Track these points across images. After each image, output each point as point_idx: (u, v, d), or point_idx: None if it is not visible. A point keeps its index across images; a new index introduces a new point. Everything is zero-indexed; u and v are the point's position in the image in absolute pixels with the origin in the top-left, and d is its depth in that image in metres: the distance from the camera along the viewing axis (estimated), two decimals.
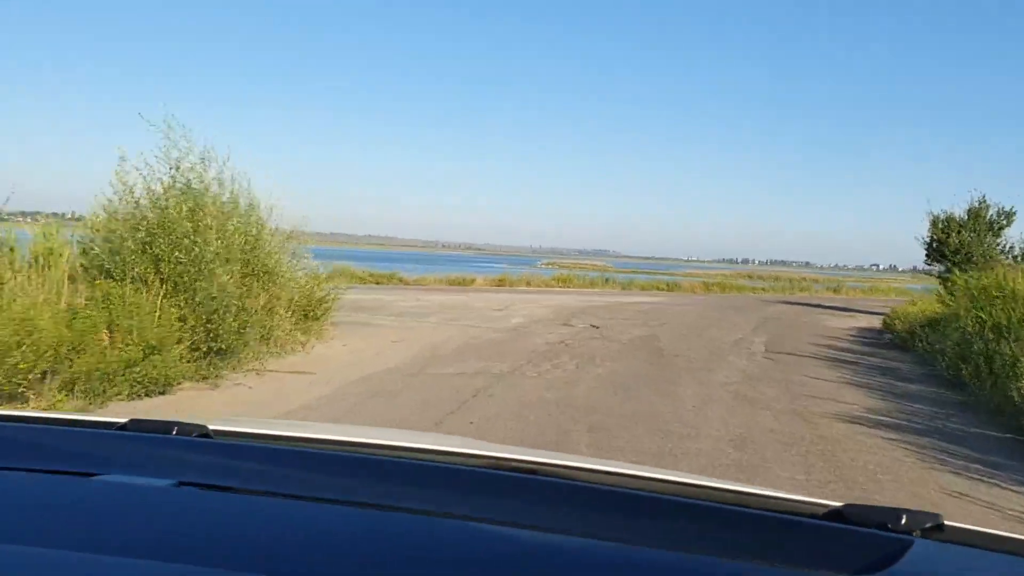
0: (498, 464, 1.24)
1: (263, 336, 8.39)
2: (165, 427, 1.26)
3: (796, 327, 17.66)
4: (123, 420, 1.29)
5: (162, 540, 0.84)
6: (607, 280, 33.55)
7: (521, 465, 1.22)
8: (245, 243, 8.40)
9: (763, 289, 37.32)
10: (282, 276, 9.00)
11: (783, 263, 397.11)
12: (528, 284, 29.90)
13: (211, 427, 1.28)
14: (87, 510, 0.95)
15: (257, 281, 8.47)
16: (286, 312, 8.92)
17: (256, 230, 8.72)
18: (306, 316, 10.27)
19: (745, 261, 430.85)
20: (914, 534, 0.97)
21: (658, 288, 33.42)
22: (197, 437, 1.25)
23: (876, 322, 20.82)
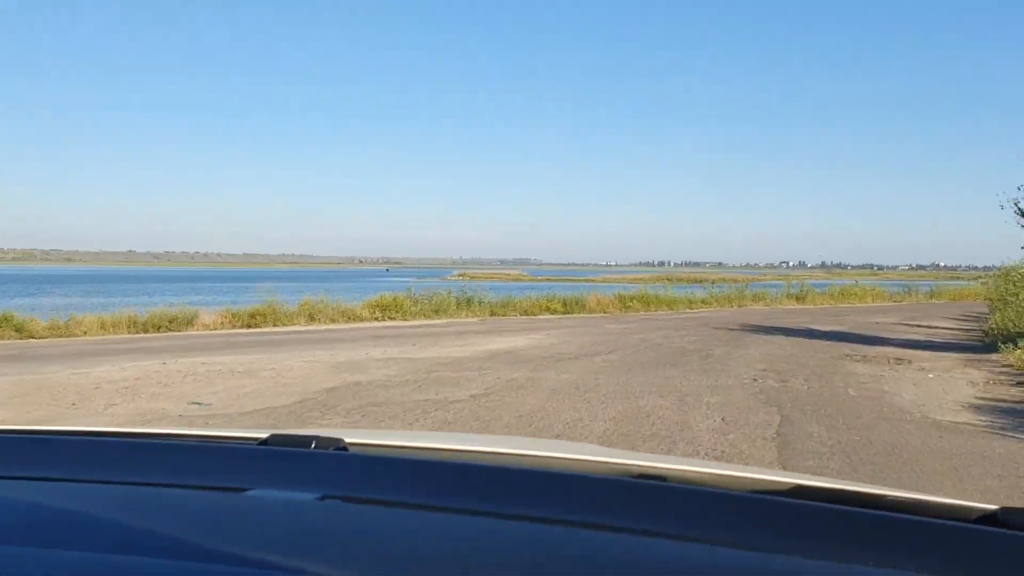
0: (628, 471, 1.22)
1: None
2: (304, 441, 1.27)
3: (884, 448, 5.76)
4: (264, 435, 1.32)
5: (309, 554, 0.83)
6: (469, 301, 21.12)
7: (649, 471, 1.21)
8: None
9: (703, 303, 25.75)
10: None
11: (696, 264, 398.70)
12: (275, 323, 17.36)
13: (347, 440, 1.28)
14: (238, 525, 0.95)
15: None
16: None
17: None
18: None
19: (661, 264, 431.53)
20: None
21: (551, 310, 21.38)
22: (334, 451, 1.25)
23: (995, 374, 9.47)
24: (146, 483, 1.09)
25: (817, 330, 16.29)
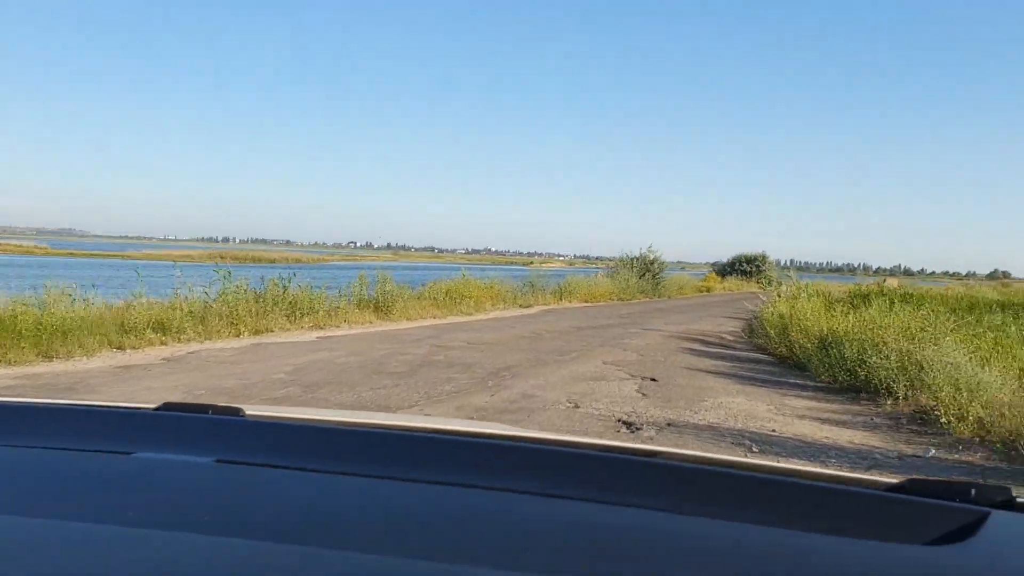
0: (492, 438, 1.27)
1: None
2: (200, 409, 1.25)
3: None
4: (156, 404, 1.29)
5: (203, 514, 0.84)
6: None
7: (495, 435, 1.29)
8: None
9: (154, 329, 10.56)
10: None
11: (263, 241, 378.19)
12: None
13: (246, 411, 1.26)
14: (128, 486, 0.94)
15: None
16: None
17: None
18: None
19: (225, 239, 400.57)
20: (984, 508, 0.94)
21: None
22: (232, 418, 1.23)
23: None
24: (25, 446, 1.07)
25: None
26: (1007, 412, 6.21)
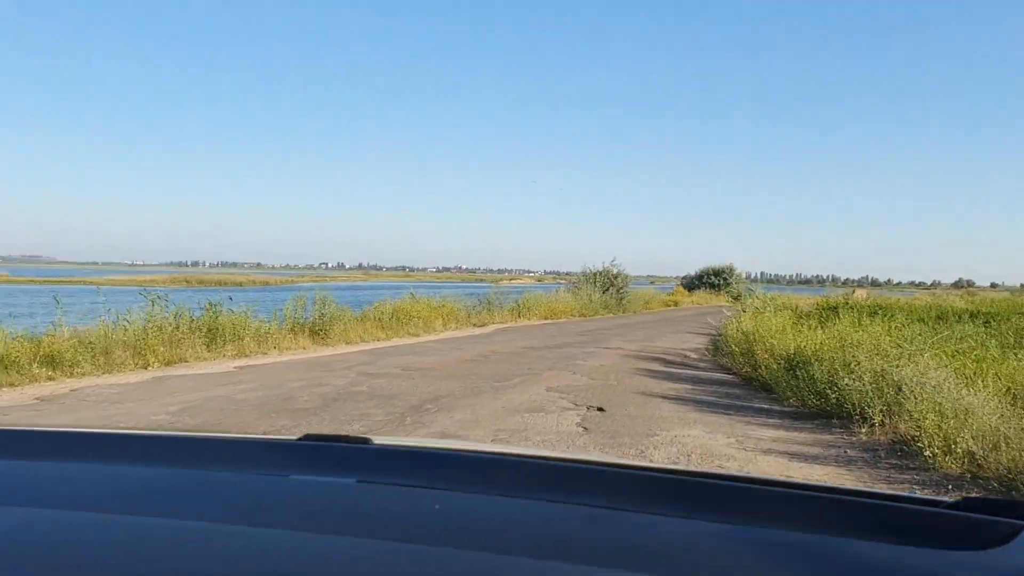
0: (579, 463, 1.34)
1: None
2: (336, 439, 1.38)
3: None
4: (298, 436, 1.40)
5: (353, 523, 0.97)
6: None
7: (584, 461, 1.36)
8: None
9: None
10: None
11: (234, 264, 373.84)
12: None
13: (374, 440, 1.36)
14: (288, 501, 1.06)
15: None
16: None
17: None
18: None
19: (195, 264, 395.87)
20: None
21: None
22: (364, 446, 1.34)
23: None
24: (203, 469, 1.22)
25: None
26: (1003, 444, 5.26)
